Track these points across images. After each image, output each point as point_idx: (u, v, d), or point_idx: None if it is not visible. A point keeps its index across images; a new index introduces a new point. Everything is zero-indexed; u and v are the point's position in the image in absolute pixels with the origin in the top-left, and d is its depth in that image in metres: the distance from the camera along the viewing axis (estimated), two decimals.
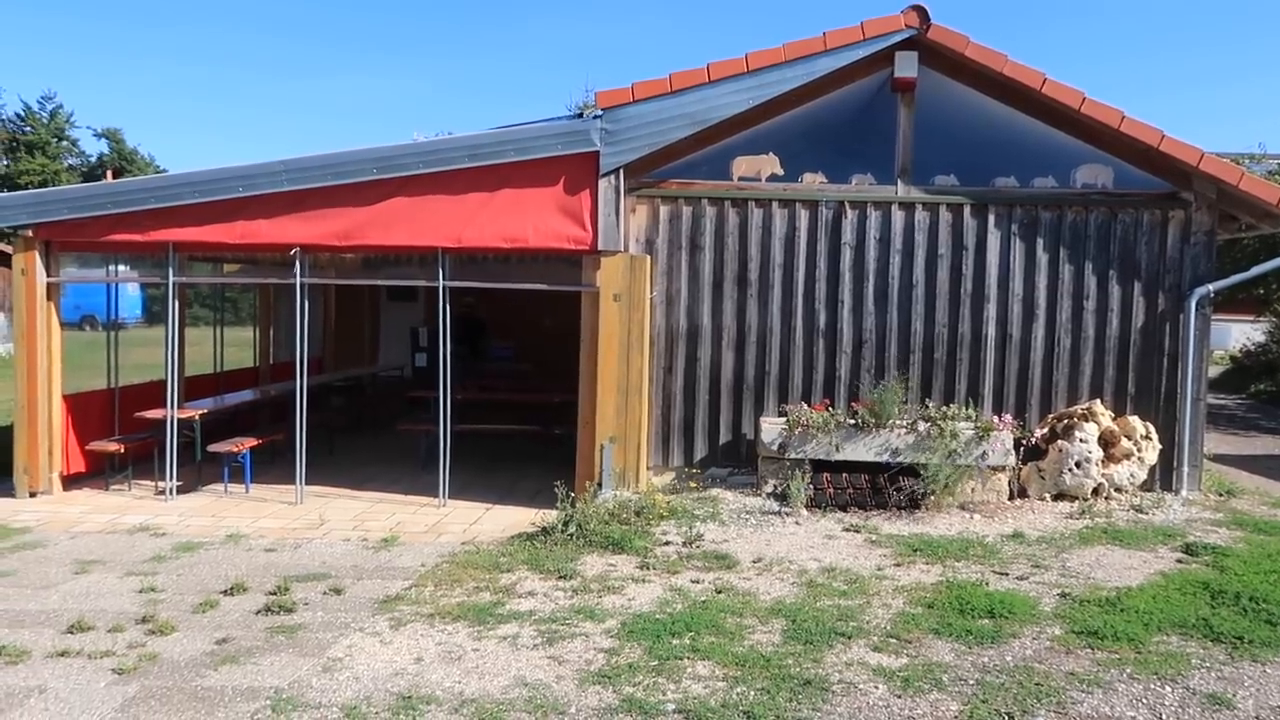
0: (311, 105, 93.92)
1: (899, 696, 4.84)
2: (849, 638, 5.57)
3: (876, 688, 4.93)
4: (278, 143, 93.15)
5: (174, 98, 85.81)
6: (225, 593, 6.36)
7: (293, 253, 9.03)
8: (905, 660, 5.28)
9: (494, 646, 5.46)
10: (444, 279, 9.01)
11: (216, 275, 12.99)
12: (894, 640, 5.56)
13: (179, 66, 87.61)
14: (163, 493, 9.29)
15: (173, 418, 9.26)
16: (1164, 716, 4.66)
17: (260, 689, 4.89)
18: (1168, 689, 4.95)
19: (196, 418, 9.80)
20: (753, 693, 4.83)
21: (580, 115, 9.57)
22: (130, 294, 27.14)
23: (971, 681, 5.01)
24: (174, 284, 9.23)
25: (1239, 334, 24.50)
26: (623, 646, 5.43)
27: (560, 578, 6.69)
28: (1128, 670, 5.17)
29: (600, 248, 8.93)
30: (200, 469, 9.93)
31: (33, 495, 9.20)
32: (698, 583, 6.60)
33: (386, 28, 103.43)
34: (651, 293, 9.26)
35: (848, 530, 7.97)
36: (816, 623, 5.79)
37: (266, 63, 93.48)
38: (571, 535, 7.51)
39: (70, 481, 9.65)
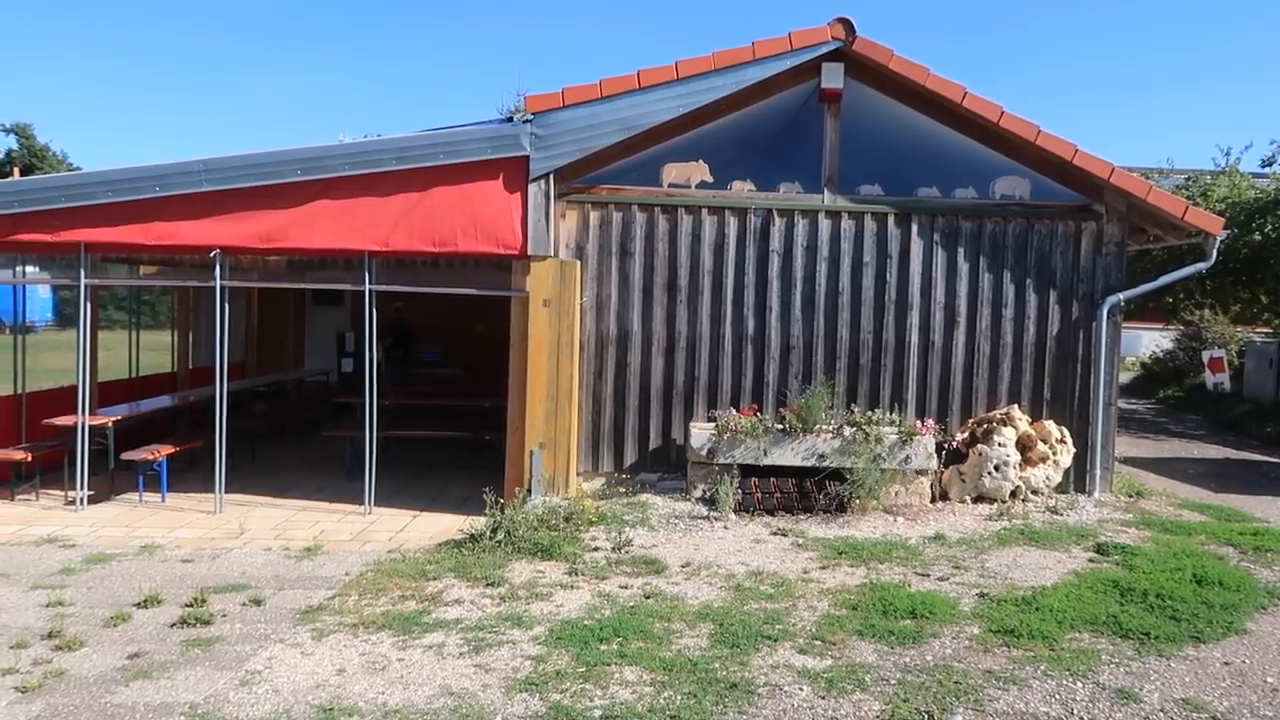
0: (234, 104, 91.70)
1: (823, 698, 4.91)
2: (775, 640, 5.64)
3: (801, 689, 5.00)
4: (198, 142, 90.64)
5: (88, 94, 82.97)
6: (138, 605, 6.14)
7: (212, 255, 8.79)
8: (830, 662, 5.36)
9: (419, 656, 5.38)
10: (370, 283, 8.86)
11: (132, 277, 12.56)
12: (819, 642, 5.64)
13: (94, 62, 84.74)
14: (73, 502, 8.93)
15: (84, 424, 8.91)
16: (1075, 711, 4.81)
17: (174, 705, 4.74)
18: (1079, 684, 5.12)
19: (110, 424, 9.46)
20: (680, 697, 4.85)
21: (510, 119, 9.51)
22: (40, 296, 26.09)
23: (893, 681, 5.11)
24: (85, 286, 8.90)
25: (1149, 341, 25.49)
26: (550, 653, 5.40)
27: (488, 585, 6.63)
28: (1042, 667, 5.33)
29: (530, 253, 8.89)
30: (114, 478, 9.58)
31: None
32: (626, 588, 6.60)
33: (313, 26, 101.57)
34: (582, 298, 9.25)
35: (775, 534, 8.06)
36: (743, 626, 5.84)
37: (187, 60, 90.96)
38: (500, 542, 7.45)
39: None
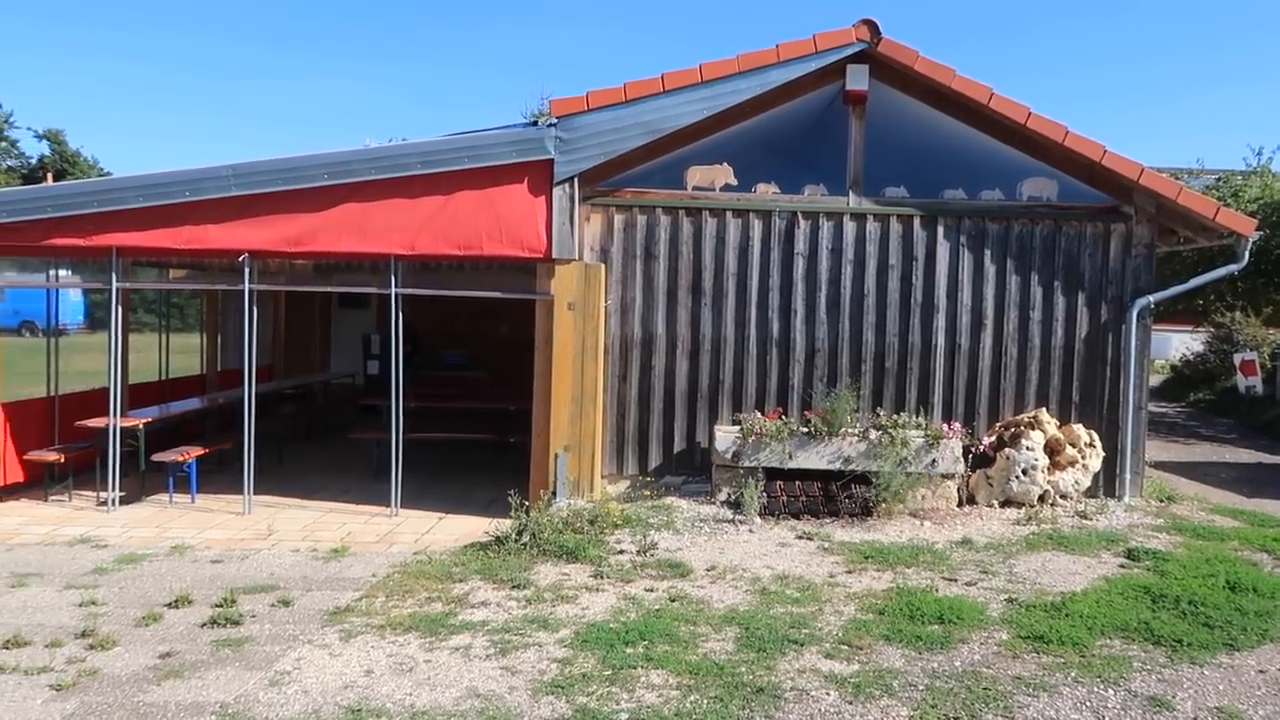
0: (261, 109, 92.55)
1: (850, 703, 4.88)
2: (801, 645, 5.61)
3: (828, 694, 4.97)
4: (226, 146, 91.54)
5: (118, 99, 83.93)
6: (169, 605, 6.22)
7: (241, 259, 8.88)
8: (857, 667, 5.33)
9: (446, 657, 5.41)
10: (396, 286, 8.92)
11: (162, 281, 12.73)
12: (845, 647, 5.61)
13: (123, 67, 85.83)
14: (105, 503, 9.05)
15: (115, 426, 9.03)
16: (1106, 719, 4.75)
17: (205, 704, 4.79)
18: (1110, 692, 5.06)
19: (140, 426, 9.58)
20: (706, 701, 4.84)
21: (535, 123, 9.54)
22: (72, 299, 26.47)
23: (921, 687, 5.07)
24: (117, 289, 9.02)
25: (1179, 344, 25.16)
26: (576, 656, 5.41)
27: (514, 587, 6.65)
28: (1072, 674, 5.27)
29: (555, 256, 8.91)
30: (144, 479, 9.70)
31: None
32: (652, 591, 6.60)
33: (336, 30, 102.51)
34: (606, 301, 9.25)
35: (801, 538, 8.03)
36: (769, 630, 5.82)
37: (214, 64, 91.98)
38: (525, 544, 7.46)
39: (7, 492, 9.36)
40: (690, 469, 9.45)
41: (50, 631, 5.73)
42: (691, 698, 4.87)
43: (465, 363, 16.17)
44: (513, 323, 13.70)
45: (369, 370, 15.59)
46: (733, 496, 8.87)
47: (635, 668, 5.23)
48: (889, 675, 5.20)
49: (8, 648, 5.45)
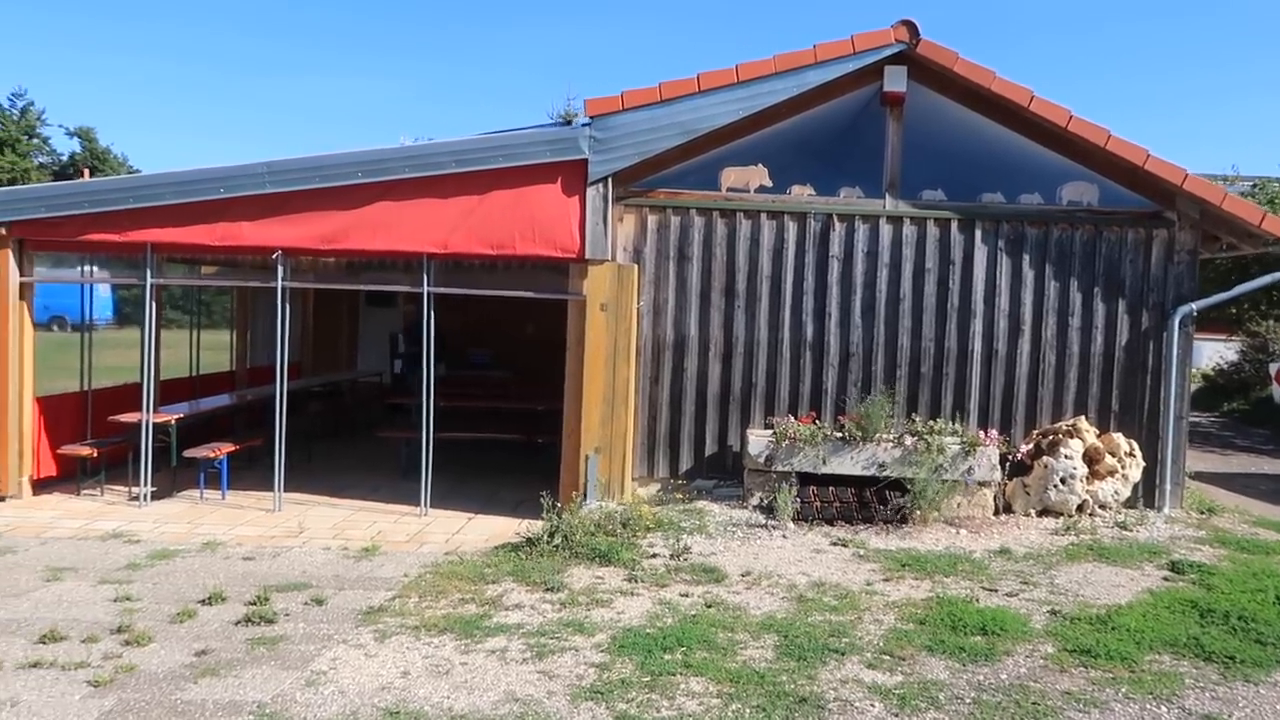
0: (289, 105, 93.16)
1: (896, 715, 4.78)
2: (842, 654, 5.51)
3: (873, 705, 4.87)
4: (254, 144, 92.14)
5: (148, 96, 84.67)
6: (203, 602, 6.19)
7: (274, 256, 8.87)
8: (900, 678, 5.22)
9: (482, 660, 5.35)
10: (429, 285, 8.88)
11: (194, 277, 12.77)
12: (888, 657, 5.50)
13: (153, 63, 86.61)
14: (137, 498, 9.07)
15: (148, 421, 9.05)
16: None
17: (243, 703, 4.75)
18: (1164, 709, 4.92)
19: (172, 422, 9.59)
20: (748, 710, 4.75)
21: (568, 122, 9.51)
22: (101, 295, 26.67)
23: (968, 700, 4.96)
24: (151, 285, 9.04)
25: (1211, 352, 24.77)
26: (614, 661, 5.34)
27: (547, 590, 6.58)
28: (1123, 690, 5.14)
29: (587, 256, 8.85)
30: (175, 474, 9.71)
31: (1, 500, 8.96)
32: (687, 596, 6.51)
33: (365, 28, 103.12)
34: (638, 302, 9.17)
35: (835, 544, 7.92)
36: (809, 638, 5.72)
37: (243, 61, 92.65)
38: (557, 546, 7.40)
39: (40, 486, 9.40)
40: (721, 473, 9.35)
41: (86, 626, 5.72)
42: (734, 706, 4.78)
43: (491, 362, 16.14)
44: (540, 322, 13.66)
45: (396, 369, 15.61)
46: (765, 501, 8.77)
47: (674, 674, 5.15)
48: (934, 687, 5.09)
49: (45, 642, 5.44)
